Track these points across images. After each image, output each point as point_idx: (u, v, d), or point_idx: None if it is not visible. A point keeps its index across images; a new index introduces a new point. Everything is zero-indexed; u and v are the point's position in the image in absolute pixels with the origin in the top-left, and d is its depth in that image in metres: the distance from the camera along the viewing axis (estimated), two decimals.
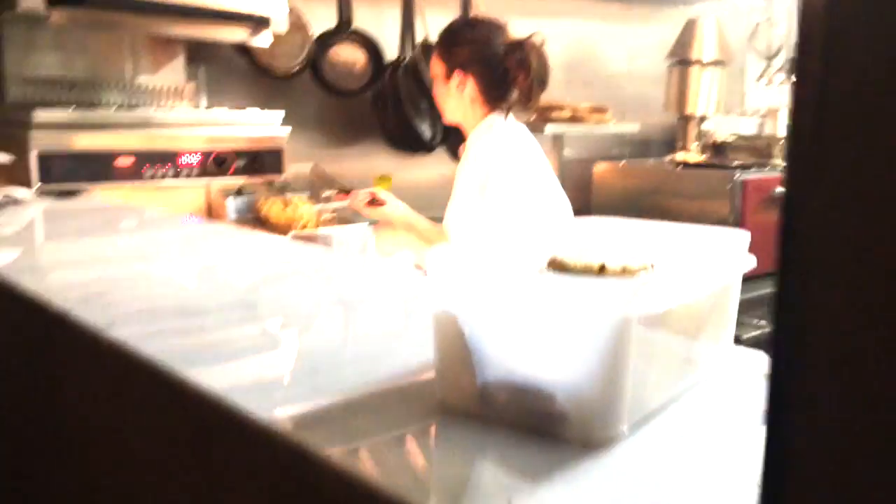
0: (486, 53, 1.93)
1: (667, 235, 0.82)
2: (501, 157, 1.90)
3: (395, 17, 3.02)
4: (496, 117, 1.97)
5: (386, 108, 2.94)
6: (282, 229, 2.58)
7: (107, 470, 0.90)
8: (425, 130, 3.03)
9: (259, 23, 2.25)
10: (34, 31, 2.26)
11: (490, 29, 1.97)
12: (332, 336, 0.94)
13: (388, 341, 0.88)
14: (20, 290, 1.03)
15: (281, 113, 2.46)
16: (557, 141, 3.56)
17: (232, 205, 2.68)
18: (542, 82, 1.92)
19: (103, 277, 1.16)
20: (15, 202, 1.80)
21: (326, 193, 2.66)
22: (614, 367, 0.55)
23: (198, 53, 2.68)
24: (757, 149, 3.95)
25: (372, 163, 3.18)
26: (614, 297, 0.56)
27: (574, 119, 3.48)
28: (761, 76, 4.35)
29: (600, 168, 3.64)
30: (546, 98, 2.24)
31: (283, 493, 0.61)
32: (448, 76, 1.96)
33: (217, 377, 0.72)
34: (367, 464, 0.57)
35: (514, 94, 1.95)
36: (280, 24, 2.31)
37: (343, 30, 2.87)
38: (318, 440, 0.58)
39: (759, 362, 0.78)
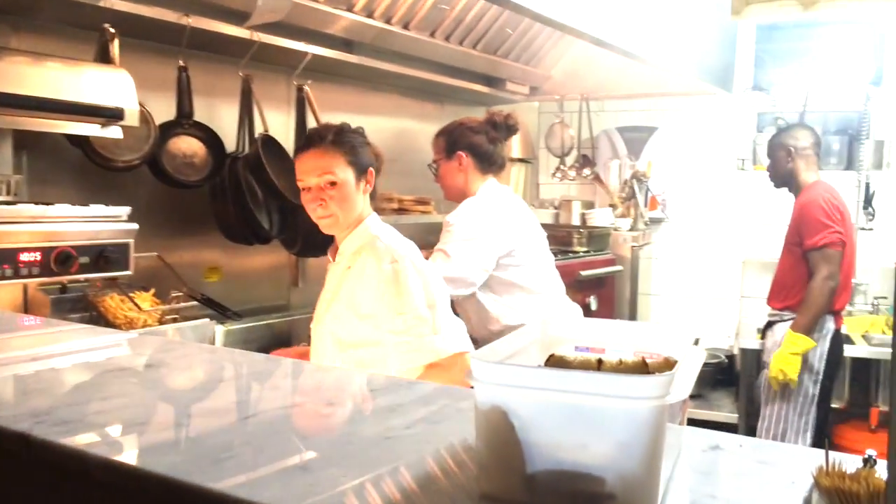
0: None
1: (616, 330, 0.97)
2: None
3: (233, 112, 3.05)
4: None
5: (226, 200, 2.93)
6: (122, 326, 2.47)
7: None
8: (264, 221, 3.05)
9: (112, 116, 2.20)
10: None
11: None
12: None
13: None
14: None
15: (127, 209, 2.39)
16: None
17: (56, 301, 2.54)
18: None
19: None
20: None
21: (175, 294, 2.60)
22: (654, 450, 0.68)
23: (22, 142, 2.54)
24: (558, 237, 4.36)
25: (207, 254, 3.15)
26: (652, 390, 0.69)
27: (401, 210, 3.67)
28: (555, 172, 4.83)
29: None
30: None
31: None
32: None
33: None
34: None
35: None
36: (133, 118, 2.27)
37: (183, 121, 2.85)
38: None
39: (704, 438, 0.94)
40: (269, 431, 0.97)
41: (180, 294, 2.59)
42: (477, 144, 2.76)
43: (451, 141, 2.79)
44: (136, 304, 2.46)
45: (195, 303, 2.57)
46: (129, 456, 0.87)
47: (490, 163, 2.79)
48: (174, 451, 0.90)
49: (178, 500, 0.77)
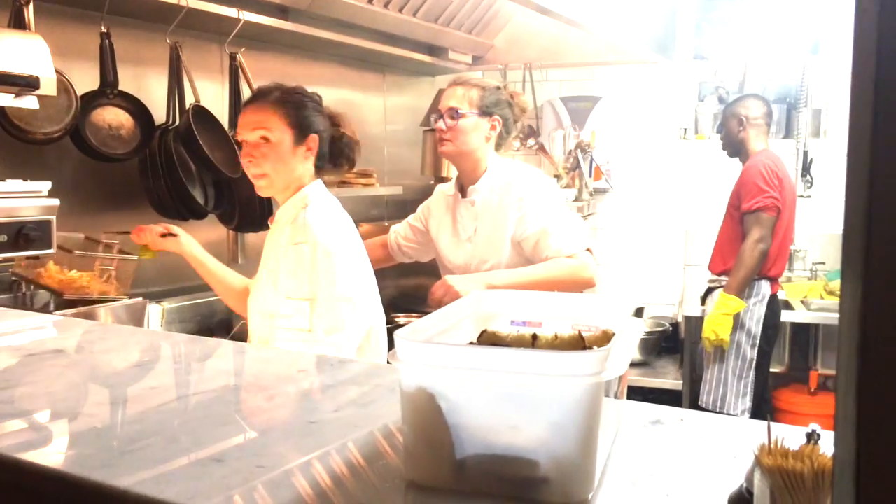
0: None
1: (554, 303, 0.93)
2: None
3: (162, 81, 2.91)
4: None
5: (157, 173, 2.80)
6: (62, 290, 2.39)
7: None
8: (198, 196, 2.93)
9: (27, 84, 2.06)
10: None
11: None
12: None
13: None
14: None
15: (47, 184, 2.26)
16: None
17: None
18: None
19: None
20: None
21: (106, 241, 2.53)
22: (590, 430, 0.64)
23: None
24: None
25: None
26: (585, 367, 0.64)
27: (342, 183, 3.58)
28: None
29: (364, 229, 3.76)
30: None
31: None
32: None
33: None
34: None
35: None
36: (50, 86, 2.14)
37: (107, 91, 2.71)
38: None
39: (645, 412, 0.91)
40: (186, 419, 0.90)
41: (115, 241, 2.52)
42: (508, 119, 2.47)
43: (492, 101, 2.44)
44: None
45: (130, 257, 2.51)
46: (27, 451, 0.79)
47: (502, 141, 2.50)
48: (79, 443, 0.83)
49: (78, 499, 0.70)
